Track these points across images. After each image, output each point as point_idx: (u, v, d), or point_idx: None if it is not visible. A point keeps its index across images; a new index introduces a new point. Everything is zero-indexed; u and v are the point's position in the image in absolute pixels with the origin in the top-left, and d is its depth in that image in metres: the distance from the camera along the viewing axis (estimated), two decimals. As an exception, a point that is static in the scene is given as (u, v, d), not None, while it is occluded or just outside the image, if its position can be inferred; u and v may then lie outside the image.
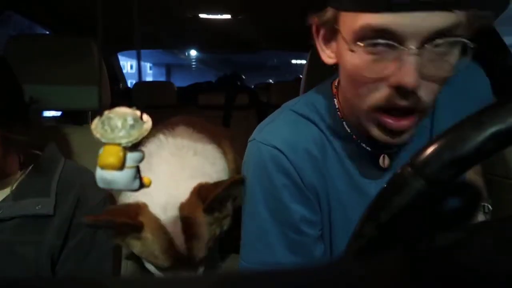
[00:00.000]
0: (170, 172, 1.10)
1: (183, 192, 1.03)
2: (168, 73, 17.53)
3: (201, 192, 1.03)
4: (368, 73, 0.64)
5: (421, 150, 0.40)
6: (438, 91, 0.66)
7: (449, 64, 0.64)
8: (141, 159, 0.46)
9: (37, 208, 0.98)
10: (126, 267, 1.25)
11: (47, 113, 2.81)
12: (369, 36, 0.62)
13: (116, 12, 1.41)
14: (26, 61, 1.35)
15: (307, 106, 0.87)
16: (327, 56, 0.77)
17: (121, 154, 0.43)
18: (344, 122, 0.83)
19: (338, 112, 0.83)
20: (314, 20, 0.75)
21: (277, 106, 1.04)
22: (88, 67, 1.41)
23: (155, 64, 17.39)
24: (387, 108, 0.66)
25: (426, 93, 0.64)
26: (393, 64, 0.62)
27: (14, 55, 1.35)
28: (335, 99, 0.85)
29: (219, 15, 2.35)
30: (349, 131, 0.82)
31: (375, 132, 0.71)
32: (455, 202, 0.40)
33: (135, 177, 0.46)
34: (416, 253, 0.31)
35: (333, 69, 0.78)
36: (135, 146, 0.45)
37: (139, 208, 0.99)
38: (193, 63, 15.27)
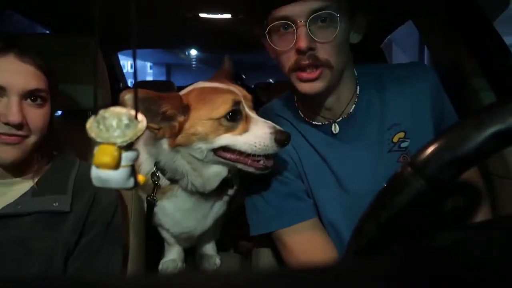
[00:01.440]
0: None
1: None
2: (169, 73, 17.51)
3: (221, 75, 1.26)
4: (280, 46, 1.01)
5: (421, 150, 0.40)
6: (334, 52, 0.97)
7: (333, 30, 0.96)
8: (136, 158, 0.46)
9: (54, 204, 1.01)
10: (126, 267, 1.25)
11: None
12: (275, 25, 0.99)
13: (116, 12, 1.42)
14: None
15: (277, 103, 1.26)
16: (271, 52, 1.10)
17: (116, 153, 0.44)
18: (299, 110, 1.17)
19: (296, 104, 1.18)
20: (257, 32, 1.10)
21: None
22: (88, 67, 1.41)
23: (156, 64, 17.38)
24: (299, 67, 0.98)
25: (322, 52, 0.97)
26: (293, 37, 0.97)
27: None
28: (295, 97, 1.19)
29: (219, 15, 2.35)
30: (302, 115, 1.16)
31: (298, 85, 1.02)
32: (455, 201, 0.40)
33: (130, 176, 0.46)
34: (416, 252, 0.31)
35: None
36: (130, 146, 0.45)
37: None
38: (194, 62, 15.25)
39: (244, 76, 4.33)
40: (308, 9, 0.94)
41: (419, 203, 0.39)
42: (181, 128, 1.06)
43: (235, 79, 4.13)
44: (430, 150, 0.40)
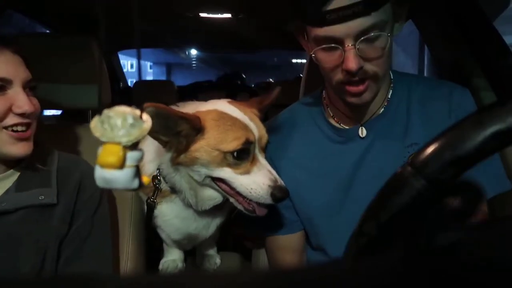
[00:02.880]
0: None
1: None
2: (169, 72, 17.51)
3: (253, 101, 1.19)
4: (327, 65, 0.97)
5: (422, 149, 0.40)
6: (381, 63, 0.95)
7: (379, 48, 0.93)
8: (141, 159, 0.46)
9: (40, 198, 1.01)
10: (126, 266, 1.25)
11: (47, 112, 2.81)
12: (320, 41, 0.94)
13: (116, 11, 1.42)
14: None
15: (301, 104, 1.23)
16: (308, 49, 1.05)
17: (121, 153, 0.43)
18: (325, 112, 1.15)
19: (325, 101, 1.16)
20: (291, 28, 1.06)
21: (277, 106, 1.19)
22: (88, 66, 1.41)
23: (156, 63, 17.38)
24: (348, 82, 0.96)
25: (370, 68, 0.94)
26: (340, 56, 0.93)
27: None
28: (323, 97, 1.17)
29: (219, 14, 2.35)
30: (331, 115, 1.13)
31: (347, 97, 1.00)
32: (455, 201, 0.40)
33: (134, 176, 0.45)
34: (416, 252, 0.31)
35: None
36: (135, 145, 0.44)
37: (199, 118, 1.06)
38: (194, 62, 15.25)
39: (244, 76, 4.34)
40: (356, 31, 0.89)
41: (419, 203, 0.39)
42: (187, 147, 1.04)
43: (235, 78, 4.14)
44: (430, 149, 0.40)
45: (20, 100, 0.97)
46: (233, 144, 1.02)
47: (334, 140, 1.11)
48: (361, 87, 0.96)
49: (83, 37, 1.44)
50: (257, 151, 1.06)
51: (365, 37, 0.89)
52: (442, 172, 0.39)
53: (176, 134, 1.03)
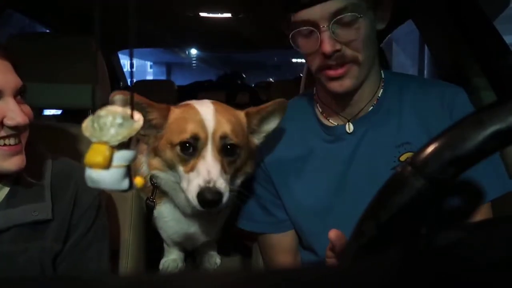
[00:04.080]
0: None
1: None
2: (169, 72, 17.52)
3: (249, 111, 1.11)
4: (306, 50, 1.00)
5: (422, 149, 0.40)
6: (361, 47, 0.95)
7: (355, 30, 0.93)
8: (132, 159, 0.44)
9: (33, 214, 0.94)
10: (126, 266, 1.25)
11: (47, 112, 2.81)
12: (299, 27, 0.97)
13: (116, 11, 1.42)
14: (26, 59, 1.35)
15: (293, 102, 1.21)
16: (296, 47, 1.05)
17: (107, 153, 0.42)
18: (316, 109, 1.14)
19: (315, 96, 1.16)
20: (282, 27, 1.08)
21: None
22: (88, 66, 1.41)
23: (156, 63, 17.38)
24: (326, 66, 0.97)
25: (348, 50, 0.94)
26: (317, 41, 0.94)
27: (15, 54, 1.35)
28: (314, 93, 1.17)
29: (219, 14, 2.35)
30: (321, 111, 1.13)
31: (328, 84, 1.00)
32: (455, 201, 0.40)
33: (123, 177, 0.44)
34: (416, 252, 0.31)
35: None
36: (124, 145, 0.44)
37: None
38: (194, 61, 15.25)
39: (244, 75, 4.34)
40: (328, 13, 0.91)
41: (419, 203, 0.39)
42: (159, 142, 1.03)
43: (236, 78, 4.13)
44: (430, 149, 0.40)
45: (12, 111, 0.88)
46: (179, 136, 0.98)
47: (324, 139, 1.10)
48: (339, 71, 0.96)
49: (83, 37, 1.44)
50: (208, 148, 0.98)
51: (339, 17, 0.91)
52: (442, 171, 0.38)
53: (150, 126, 1.02)
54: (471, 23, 1.44)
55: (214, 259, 1.49)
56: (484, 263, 0.28)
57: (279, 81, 3.68)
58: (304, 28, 0.95)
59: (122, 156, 0.43)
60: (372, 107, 1.06)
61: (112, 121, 0.43)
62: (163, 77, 16.12)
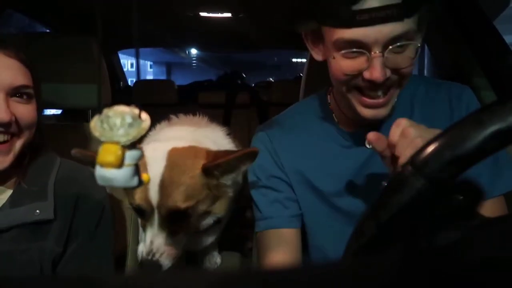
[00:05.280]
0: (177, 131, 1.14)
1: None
2: (169, 72, 17.50)
3: (210, 154, 1.01)
4: (347, 71, 0.85)
5: (422, 149, 0.40)
6: (408, 72, 0.85)
7: (408, 58, 0.83)
8: (140, 157, 0.46)
9: (35, 213, 0.94)
10: (126, 266, 1.26)
11: (47, 111, 2.81)
12: (343, 46, 0.83)
13: (116, 11, 1.42)
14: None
15: (303, 106, 1.13)
16: (316, 54, 0.98)
17: (119, 152, 0.44)
18: (333, 114, 1.05)
19: (330, 105, 1.06)
20: (301, 29, 0.96)
21: (278, 105, 1.14)
22: (88, 66, 1.41)
23: (156, 63, 17.37)
24: (366, 93, 0.86)
25: (395, 77, 0.84)
26: (365, 64, 0.82)
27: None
28: (328, 98, 1.08)
29: (219, 14, 2.35)
30: (337, 120, 1.04)
31: (360, 109, 0.89)
32: (455, 201, 0.40)
33: (133, 175, 0.46)
34: (416, 252, 0.31)
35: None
36: (134, 145, 0.45)
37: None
38: (194, 61, 15.25)
39: (244, 75, 4.34)
40: (387, 36, 0.79)
41: (419, 203, 0.39)
42: None
43: (236, 77, 4.13)
44: (430, 149, 0.40)
45: None
46: (134, 196, 0.95)
47: (342, 145, 1.04)
48: (381, 100, 0.86)
49: (83, 37, 1.44)
50: (154, 218, 0.95)
51: (396, 45, 0.80)
52: (442, 171, 0.38)
53: None
54: (471, 23, 1.44)
55: (215, 259, 1.48)
56: (484, 263, 0.28)
57: (279, 81, 3.67)
58: (351, 50, 0.82)
59: (132, 155, 0.45)
60: (388, 118, 1.00)
61: (122, 121, 0.44)
62: (163, 77, 16.13)
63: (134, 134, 0.44)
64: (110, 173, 0.45)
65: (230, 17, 2.41)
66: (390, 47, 0.80)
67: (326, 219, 1.06)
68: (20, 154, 0.96)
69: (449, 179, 0.39)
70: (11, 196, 0.95)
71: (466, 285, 0.26)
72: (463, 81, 1.44)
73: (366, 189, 1.01)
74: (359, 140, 1.00)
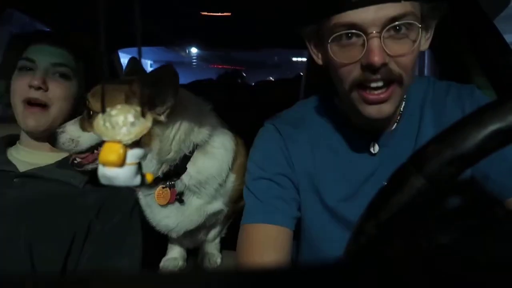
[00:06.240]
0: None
1: None
2: (169, 71, 17.44)
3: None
4: (344, 59, 0.83)
5: (422, 148, 0.40)
6: (409, 64, 0.82)
7: (410, 42, 0.80)
8: (142, 156, 0.47)
9: (72, 180, 1.16)
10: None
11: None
12: (340, 31, 0.81)
13: (116, 9, 1.42)
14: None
15: (311, 106, 1.11)
16: (317, 57, 0.98)
17: (121, 151, 0.44)
18: (343, 119, 1.02)
19: (339, 110, 1.03)
20: (302, 33, 0.96)
21: (278, 104, 1.14)
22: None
23: (156, 61, 17.35)
24: (364, 85, 0.83)
25: (395, 66, 0.81)
26: (362, 49, 0.80)
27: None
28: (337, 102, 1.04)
29: (220, 13, 2.35)
30: (344, 126, 1.02)
31: (362, 108, 0.86)
32: (455, 200, 0.40)
33: (136, 174, 0.46)
34: (416, 252, 0.31)
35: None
36: (136, 143, 0.45)
37: None
38: (194, 60, 15.24)
39: (244, 74, 4.34)
40: (384, 17, 0.77)
41: (419, 202, 0.39)
42: None
43: (236, 76, 4.12)
44: (430, 148, 0.40)
45: (34, 77, 1.14)
46: None
47: (348, 150, 1.02)
48: (382, 95, 0.83)
49: (83, 36, 1.44)
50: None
51: (394, 24, 0.77)
52: (442, 170, 0.38)
53: None
54: (471, 22, 1.44)
55: (215, 258, 1.48)
56: (484, 262, 0.28)
57: (279, 80, 3.67)
58: (348, 31, 0.80)
59: (134, 154, 0.46)
60: (395, 124, 0.99)
61: (124, 120, 0.44)
62: (164, 76, 16.07)
63: (136, 133, 0.44)
64: (112, 172, 0.45)
65: (230, 16, 2.41)
66: (389, 26, 0.78)
67: (327, 226, 1.04)
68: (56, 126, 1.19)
69: (449, 179, 0.39)
70: (60, 160, 1.21)
71: (466, 285, 0.26)
72: (464, 81, 1.44)
73: (367, 196, 0.98)
74: (365, 150, 1.00)
